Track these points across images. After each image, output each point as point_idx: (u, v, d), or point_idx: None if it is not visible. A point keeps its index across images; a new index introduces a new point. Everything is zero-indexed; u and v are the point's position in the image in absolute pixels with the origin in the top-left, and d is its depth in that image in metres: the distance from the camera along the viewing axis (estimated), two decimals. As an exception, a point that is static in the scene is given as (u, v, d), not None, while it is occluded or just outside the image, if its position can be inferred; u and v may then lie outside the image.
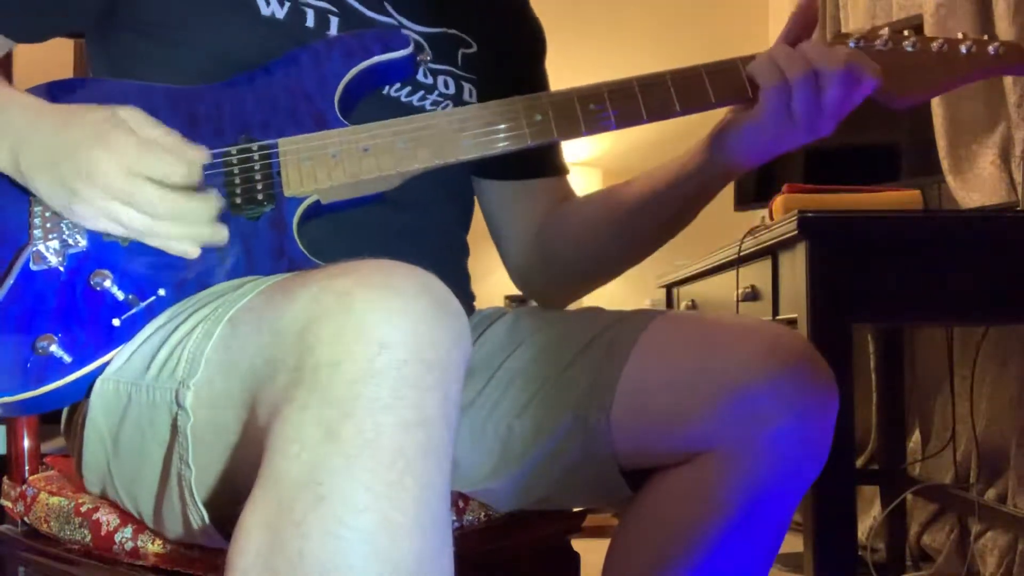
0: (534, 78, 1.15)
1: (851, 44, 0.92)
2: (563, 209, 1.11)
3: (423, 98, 0.99)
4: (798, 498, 0.86)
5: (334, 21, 0.95)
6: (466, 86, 1.03)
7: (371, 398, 0.55)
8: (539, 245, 1.11)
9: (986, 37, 0.93)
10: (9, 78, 0.91)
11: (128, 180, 0.77)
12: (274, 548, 0.54)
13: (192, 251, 0.81)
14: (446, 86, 1.01)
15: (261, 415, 0.62)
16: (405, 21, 1.00)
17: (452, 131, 0.88)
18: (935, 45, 0.92)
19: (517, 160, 0.99)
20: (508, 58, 1.10)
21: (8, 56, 1.04)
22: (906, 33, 0.93)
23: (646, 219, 1.03)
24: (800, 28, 0.92)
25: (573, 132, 0.90)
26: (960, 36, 0.92)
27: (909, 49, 0.92)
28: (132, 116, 0.80)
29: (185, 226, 0.79)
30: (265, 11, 0.92)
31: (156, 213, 0.78)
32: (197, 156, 0.81)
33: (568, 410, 0.89)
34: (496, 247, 1.16)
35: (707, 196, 0.99)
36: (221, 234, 0.81)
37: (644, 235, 1.05)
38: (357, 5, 0.96)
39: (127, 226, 0.79)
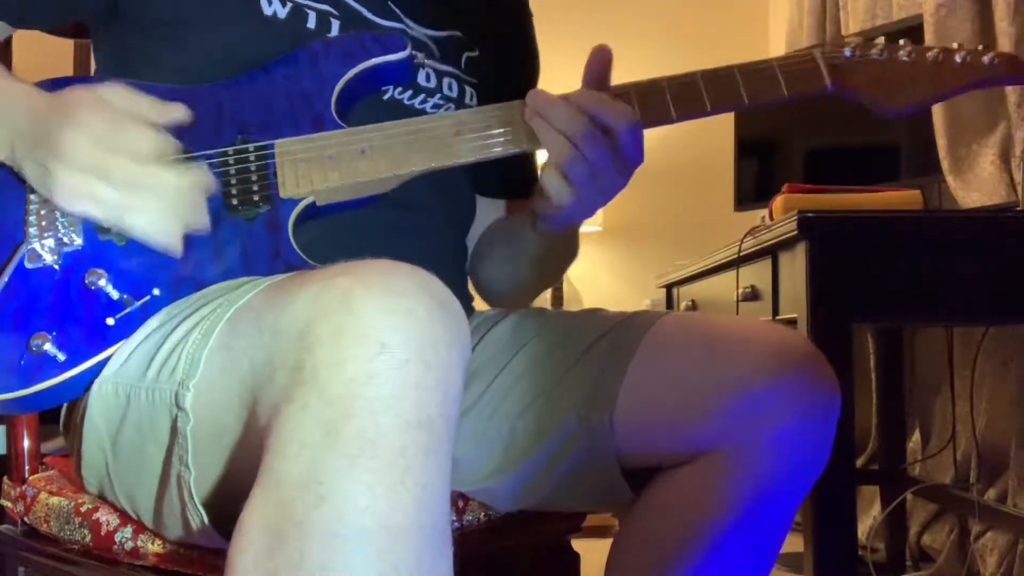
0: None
1: (847, 53, 0.92)
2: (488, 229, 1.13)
3: (424, 101, 0.99)
4: (800, 498, 0.87)
5: (335, 23, 0.94)
6: (468, 89, 1.03)
7: (371, 398, 0.55)
8: (473, 260, 1.12)
9: (981, 47, 0.93)
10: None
11: (98, 153, 0.76)
12: (274, 548, 0.54)
13: (175, 244, 0.79)
14: (450, 88, 1.01)
15: (261, 415, 0.62)
16: (411, 23, 1.00)
17: (449, 134, 0.88)
18: (931, 55, 0.92)
19: (491, 176, 1.00)
20: (508, 67, 1.10)
21: (8, 54, 1.04)
22: (902, 43, 0.94)
23: (516, 253, 1.06)
24: (594, 76, 0.90)
25: None
26: (955, 46, 0.93)
27: (904, 59, 0.93)
28: (112, 91, 0.80)
29: (160, 200, 0.77)
30: (267, 11, 0.92)
31: (132, 182, 0.76)
32: (178, 114, 0.81)
33: (571, 411, 0.89)
34: None
35: (556, 247, 1.03)
36: (200, 218, 0.79)
37: (523, 267, 1.07)
38: (360, 8, 0.96)
39: (103, 203, 0.77)
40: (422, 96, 0.98)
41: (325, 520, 0.53)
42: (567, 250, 1.07)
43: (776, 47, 3.29)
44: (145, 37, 0.92)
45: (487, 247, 1.11)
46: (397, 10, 0.99)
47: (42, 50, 1.02)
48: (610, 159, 0.86)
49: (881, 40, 0.94)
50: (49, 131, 0.77)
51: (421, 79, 0.99)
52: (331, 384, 0.56)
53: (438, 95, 1.00)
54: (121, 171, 0.76)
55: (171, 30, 0.91)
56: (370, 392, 0.55)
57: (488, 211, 1.12)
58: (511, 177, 1.11)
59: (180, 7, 0.91)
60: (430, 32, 1.02)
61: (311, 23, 0.93)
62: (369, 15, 0.97)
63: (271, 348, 0.62)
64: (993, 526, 2.04)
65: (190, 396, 0.71)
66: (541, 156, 0.94)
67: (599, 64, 0.90)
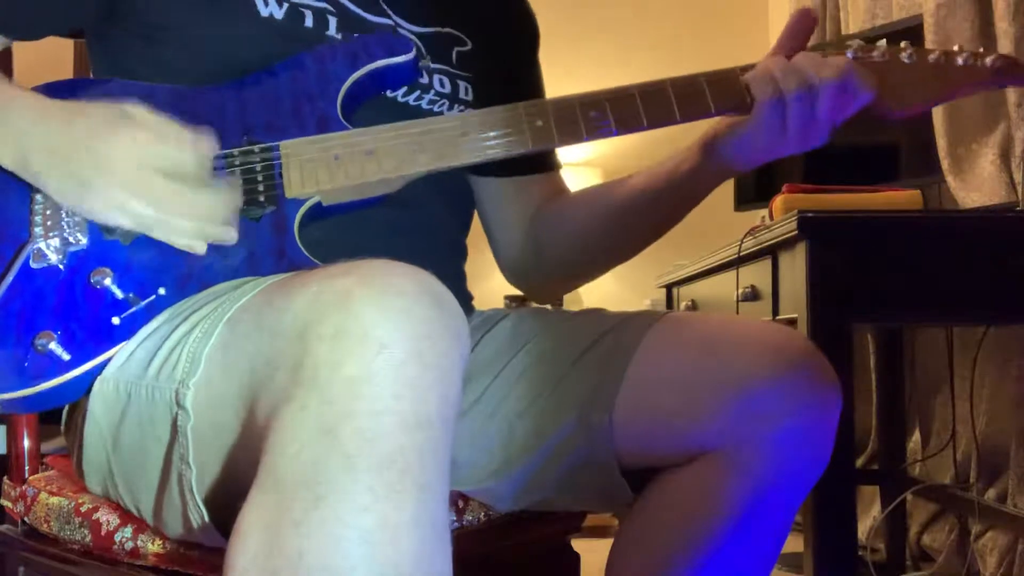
0: (530, 73, 1.16)
1: (849, 55, 0.92)
2: (556, 204, 1.11)
3: (419, 98, 0.99)
4: (801, 498, 0.86)
5: (332, 21, 0.95)
6: (462, 84, 1.03)
7: (371, 398, 0.55)
8: (532, 240, 1.11)
9: (982, 50, 0.94)
10: (9, 77, 0.91)
11: (140, 172, 0.77)
12: (273, 548, 0.54)
13: (199, 247, 0.81)
14: (442, 85, 1.01)
15: (260, 415, 0.62)
16: (401, 21, 1.00)
17: (455, 135, 0.89)
18: (932, 57, 0.93)
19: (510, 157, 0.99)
20: (504, 56, 1.10)
21: (8, 56, 1.04)
22: (903, 45, 0.94)
23: (638, 218, 1.04)
24: (794, 40, 0.92)
25: (574, 138, 0.90)
26: (956, 48, 0.93)
27: (906, 61, 0.93)
28: (138, 111, 0.80)
29: (195, 221, 0.79)
30: (264, 12, 0.92)
31: (167, 207, 0.78)
32: (206, 147, 0.81)
33: (571, 411, 0.89)
34: (488, 242, 1.16)
35: (699, 197, 1.01)
36: (229, 234, 0.81)
37: (635, 233, 1.06)
38: (352, 6, 0.97)
39: (139, 218, 0.79)
40: (416, 93, 0.99)
41: (324, 520, 0.53)
42: (682, 211, 1.04)
43: (776, 47, 3.29)
44: (141, 39, 0.92)
45: (566, 217, 1.08)
46: (386, 7, 0.99)
47: (42, 50, 1.02)
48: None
49: (883, 43, 0.94)
50: (87, 143, 0.78)
51: None
52: (330, 384, 0.56)
53: (432, 91, 1.00)
54: (159, 191, 0.78)
55: (167, 32, 0.91)
56: (369, 392, 0.55)
57: (517, 192, 1.12)
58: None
59: (176, 9, 0.91)
60: (418, 29, 1.02)
61: (308, 22, 0.94)
62: (361, 12, 0.97)
63: (271, 348, 0.62)
64: (993, 526, 2.04)
65: (190, 394, 0.71)
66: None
67: (802, 27, 0.92)
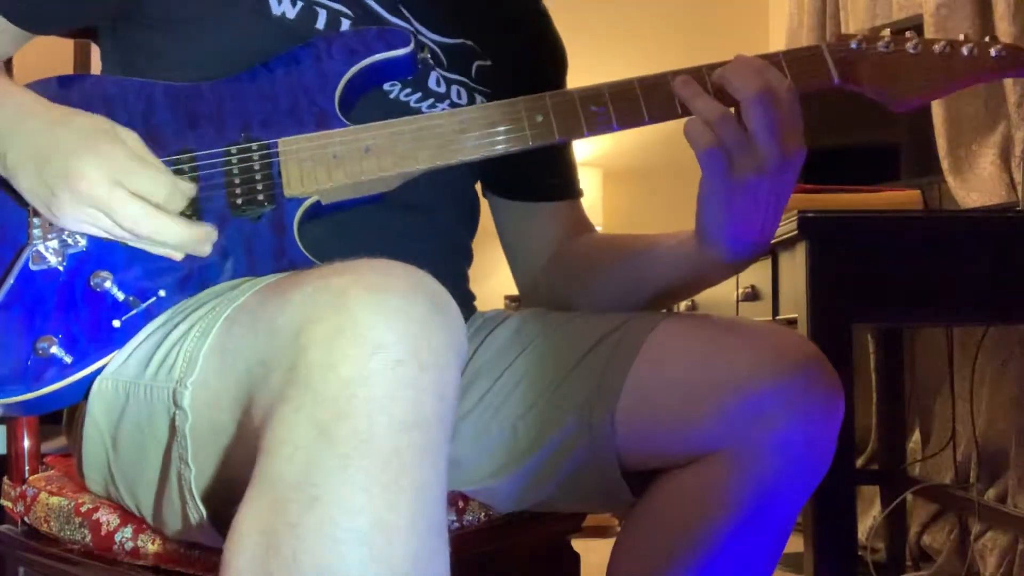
0: None
1: (853, 46, 0.92)
2: (575, 245, 1.09)
3: (433, 106, 0.97)
4: (803, 500, 0.86)
5: (346, 23, 0.94)
6: (479, 98, 1.02)
7: (366, 399, 0.55)
8: (548, 274, 1.10)
9: (987, 39, 0.92)
10: (9, 75, 0.91)
11: (111, 191, 0.76)
12: (269, 550, 0.54)
13: (176, 256, 0.81)
14: (459, 96, 1.00)
15: (256, 415, 0.62)
16: (422, 29, 0.99)
17: (453, 132, 0.88)
18: (937, 47, 0.91)
19: (532, 181, 0.98)
20: (524, 75, 1.07)
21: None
22: (908, 35, 0.93)
23: (652, 282, 1.00)
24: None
25: (575, 133, 0.89)
26: (962, 38, 0.92)
27: (912, 51, 0.91)
28: (129, 135, 0.80)
29: (159, 248, 0.80)
30: (276, 10, 0.91)
31: (135, 230, 0.78)
32: (185, 187, 0.81)
33: (573, 412, 0.89)
34: (508, 264, 1.15)
35: (708, 281, 0.96)
36: (202, 251, 0.81)
37: (649, 295, 1.02)
38: (375, 6, 0.96)
39: (106, 232, 0.79)
40: (431, 100, 0.97)
41: (319, 521, 0.53)
42: (696, 287, 0.99)
43: (776, 47, 3.29)
44: (152, 35, 0.92)
45: (590, 261, 1.05)
46: (408, 14, 0.98)
47: (42, 50, 1.02)
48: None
49: (887, 33, 0.92)
50: (64, 153, 0.77)
51: (432, 83, 0.98)
52: (325, 385, 0.56)
53: (447, 101, 0.99)
54: (130, 218, 0.77)
55: (178, 28, 0.91)
56: (364, 393, 0.55)
57: (543, 219, 1.10)
58: (555, 177, 1.10)
59: (188, 5, 0.91)
60: (439, 39, 1.01)
61: (320, 23, 0.93)
62: (382, 12, 0.96)
63: (266, 349, 0.62)
64: (993, 526, 2.04)
65: (188, 394, 0.71)
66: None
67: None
